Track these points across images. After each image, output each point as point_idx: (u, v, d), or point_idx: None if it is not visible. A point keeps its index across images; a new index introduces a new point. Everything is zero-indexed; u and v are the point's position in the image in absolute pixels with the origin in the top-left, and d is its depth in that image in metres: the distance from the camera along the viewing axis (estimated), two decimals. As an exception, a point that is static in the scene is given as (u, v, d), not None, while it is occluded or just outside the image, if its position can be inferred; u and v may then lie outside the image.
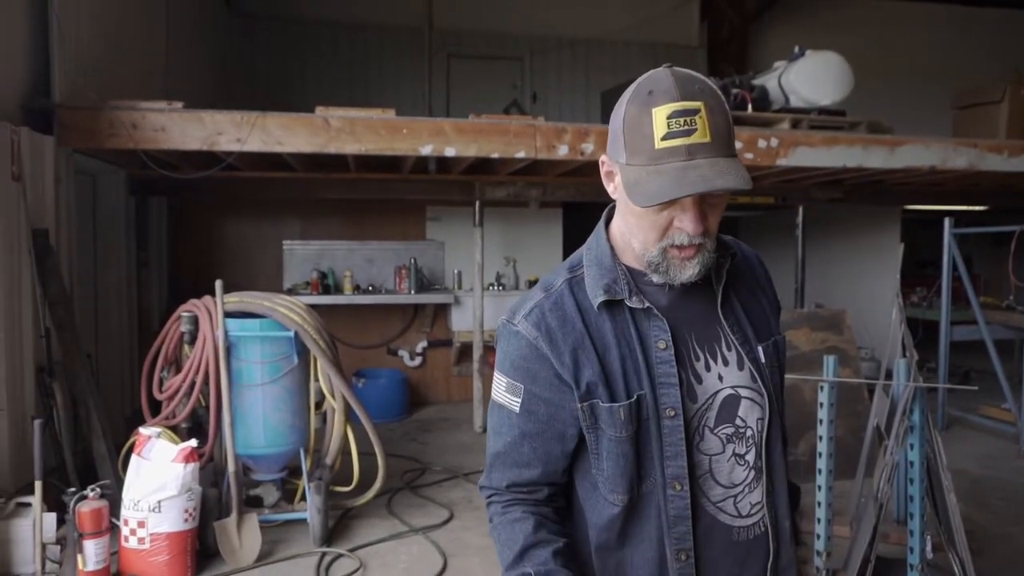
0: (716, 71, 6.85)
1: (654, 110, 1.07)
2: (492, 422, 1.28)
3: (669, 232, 1.13)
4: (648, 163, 1.08)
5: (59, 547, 3.16)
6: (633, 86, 1.13)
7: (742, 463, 1.22)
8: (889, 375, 3.24)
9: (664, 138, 1.06)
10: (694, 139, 1.06)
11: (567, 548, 1.21)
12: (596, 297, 1.20)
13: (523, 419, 1.22)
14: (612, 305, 1.20)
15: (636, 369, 1.18)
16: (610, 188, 1.21)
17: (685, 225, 1.11)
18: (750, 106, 5.45)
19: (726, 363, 1.23)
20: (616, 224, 1.25)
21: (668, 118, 1.06)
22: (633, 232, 1.18)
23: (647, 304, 1.19)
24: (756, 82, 5.71)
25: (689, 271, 1.15)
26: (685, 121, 1.06)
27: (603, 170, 1.21)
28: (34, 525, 3.08)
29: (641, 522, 1.21)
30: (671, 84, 1.08)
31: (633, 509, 1.20)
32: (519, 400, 1.22)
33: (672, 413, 1.17)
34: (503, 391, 1.24)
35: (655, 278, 1.18)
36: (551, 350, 1.19)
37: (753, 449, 1.23)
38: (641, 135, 1.08)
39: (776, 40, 9.07)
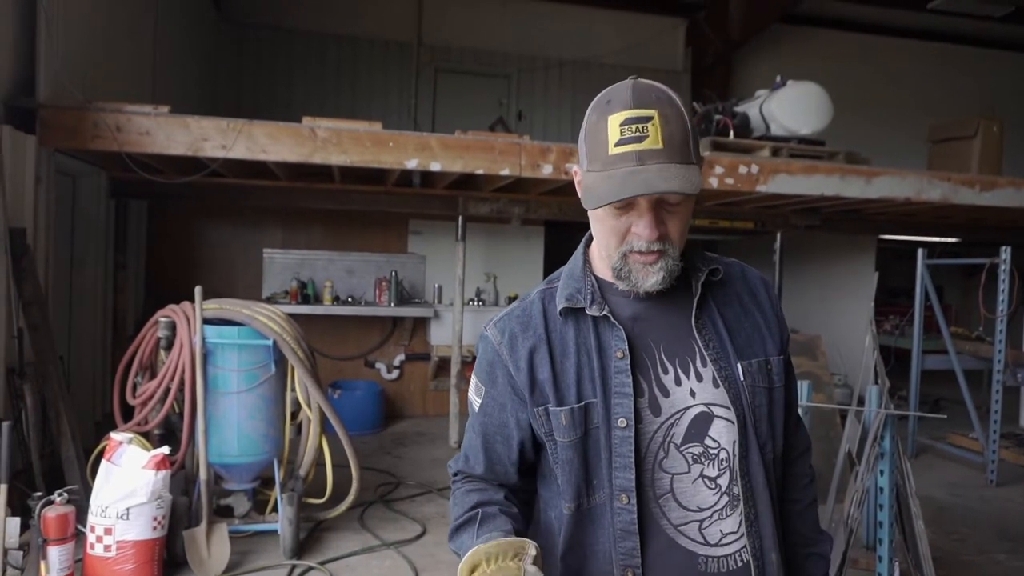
0: (700, 96, 6.95)
1: (610, 117, 1.10)
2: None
3: (628, 238, 1.15)
4: (602, 168, 1.11)
5: (22, 553, 3.08)
6: (598, 96, 1.16)
7: (712, 486, 1.17)
8: (861, 401, 3.29)
9: (617, 144, 1.09)
10: (645, 145, 1.08)
11: (519, 513, 1.26)
12: (559, 304, 1.22)
13: (480, 418, 1.29)
14: (577, 314, 1.22)
15: (592, 377, 1.18)
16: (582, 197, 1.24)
17: (640, 230, 1.13)
18: (732, 132, 5.54)
19: (700, 379, 1.19)
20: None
21: (621, 125, 1.09)
22: (599, 239, 1.21)
23: (605, 312, 1.19)
24: (738, 109, 5.81)
25: (652, 277, 1.15)
26: (637, 128, 1.08)
27: (575, 179, 1.23)
28: (-3, 529, 3.01)
29: (595, 533, 1.19)
30: (628, 93, 1.11)
31: (585, 519, 1.20)
32: (480, 400, 1.29)
33: (623, 423, 1.16)
34: (472, 390, 1.31)
35: (621, 285, 1.19)
36: (509, 355, 1.23)
37: (727, 473, 1.18)
38: (598, 141, 1.12)
39: (759, 68, 9.25)
